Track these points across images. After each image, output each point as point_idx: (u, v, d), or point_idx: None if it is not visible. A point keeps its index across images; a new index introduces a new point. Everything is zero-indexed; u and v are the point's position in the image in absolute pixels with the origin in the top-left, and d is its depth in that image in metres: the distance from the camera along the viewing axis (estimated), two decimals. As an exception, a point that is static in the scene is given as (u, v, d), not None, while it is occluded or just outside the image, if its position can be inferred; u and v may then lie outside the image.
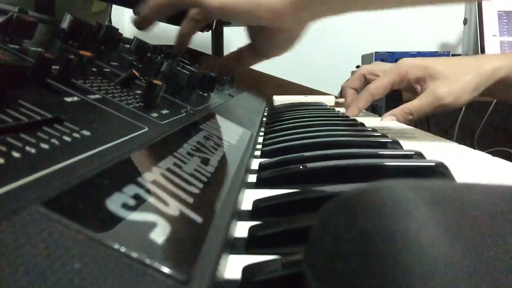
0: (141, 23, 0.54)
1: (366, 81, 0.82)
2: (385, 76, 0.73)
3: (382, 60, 1.39)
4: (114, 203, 0.13)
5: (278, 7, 0.45)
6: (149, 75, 0.37)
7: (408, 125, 0.67)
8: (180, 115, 0.33)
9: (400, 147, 0.39)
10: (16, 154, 0.13)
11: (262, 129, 0.56)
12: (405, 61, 0.73)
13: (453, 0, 0.43)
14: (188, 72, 0.43)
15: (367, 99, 0.74)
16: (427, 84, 0.69)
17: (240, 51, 0.60)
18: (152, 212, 0.14)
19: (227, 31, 1.30)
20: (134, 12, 0.55)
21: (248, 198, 0.26)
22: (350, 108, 0.76)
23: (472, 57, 0.75)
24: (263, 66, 1.16)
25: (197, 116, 0.36)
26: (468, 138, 1.41)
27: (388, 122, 0.70)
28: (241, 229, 0.21)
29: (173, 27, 0.94)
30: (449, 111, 0.70)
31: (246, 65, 0.61)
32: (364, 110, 0.80)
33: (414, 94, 0.74)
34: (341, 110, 0.80)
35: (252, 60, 0.60)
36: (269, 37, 0.54)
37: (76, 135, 0.17)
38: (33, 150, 0.14)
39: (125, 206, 0.14)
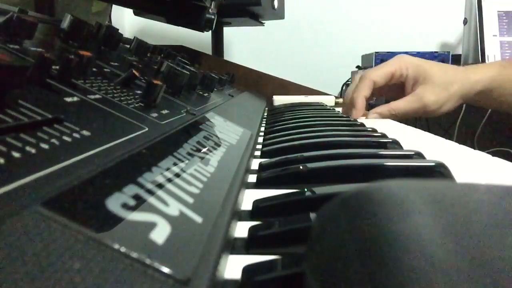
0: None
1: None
2: (387, 65, 0.73)
3: (382, 61, 1.39)
4: (114, 203, 0.13)
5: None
6: (149, 75, 0.37)
7: (408, 125, 0.67)
8: (180, 115, 0.33)
9: (400, 147, 0.39)
10: (16, 154, 0.13)
11: (262, 129, 0.56)
12: (405, 57, 0.74)
13: None
14: (188, 72, 0.43)
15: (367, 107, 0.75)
16: (417, 86, 0.72)
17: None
18: (152, 212, 0.14)
19: (227, 31, 1.31)
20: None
21: (248, 198, 0.26)
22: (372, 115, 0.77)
23: (464, 67, 0.77)
24: (263, 66, 1.16)
25: (197, 116, 0.36)
26: (468, 138, 1.40)
27: (389, 122, 0.70)
28: (241, 229, 0.21)
29: (173, 27, 0.95)
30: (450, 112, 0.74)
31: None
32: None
33: (397, 94, 0.74)
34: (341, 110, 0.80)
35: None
36: None
37: (76, 135, 0.17)
38: (33, 150, 0.14)
39: (125, 206, 0.14)
